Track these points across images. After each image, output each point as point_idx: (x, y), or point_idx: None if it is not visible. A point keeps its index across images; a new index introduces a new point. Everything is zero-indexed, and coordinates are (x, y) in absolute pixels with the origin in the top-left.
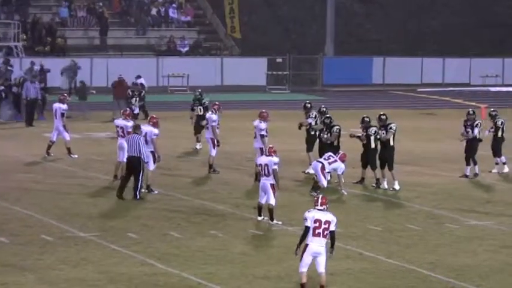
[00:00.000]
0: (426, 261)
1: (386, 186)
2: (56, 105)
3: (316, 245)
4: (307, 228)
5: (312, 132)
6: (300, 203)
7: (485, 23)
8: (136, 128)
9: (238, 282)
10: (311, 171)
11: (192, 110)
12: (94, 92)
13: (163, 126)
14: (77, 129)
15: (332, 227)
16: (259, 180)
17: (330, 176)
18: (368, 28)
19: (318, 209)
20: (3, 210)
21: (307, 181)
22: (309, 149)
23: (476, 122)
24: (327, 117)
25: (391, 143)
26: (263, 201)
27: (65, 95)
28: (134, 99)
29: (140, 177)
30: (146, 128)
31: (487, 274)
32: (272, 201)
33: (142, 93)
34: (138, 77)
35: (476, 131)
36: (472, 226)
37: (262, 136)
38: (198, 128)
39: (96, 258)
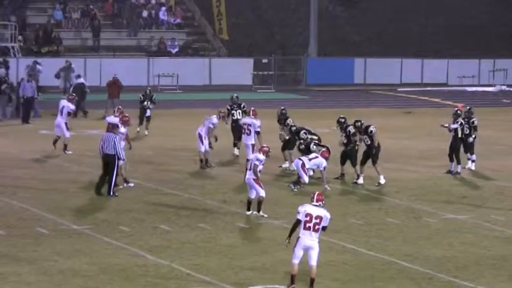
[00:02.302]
0: (405, 254)
1: (362, 182)
2: (64, 102)
3: (307, 239)
4: (297, 221)
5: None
6: (284, 198)
7: (462, 26)
8: (114, 127)
9: (226, 273)
10: (285, 165)
11: (228, 114)
12: (88, 91)
13: (154, 123)
14: (71, 127)
15: (324, 223)
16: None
17: (313, 171)
18: (350, 30)
19: (313, 205)
20: (0, 204)
21: (292, 177)
22: (285, 147)
23: (459, 120)
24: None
25: (376, 144)
26: (252, 196)
27: (74, 94)
28: (146, 102)
29: (114, 174)
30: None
31: (463, 266)
32: (262, 193)
33: (154, 97)
34: (78, 76)
35: (455, 126)
36: (449, 220)
37: (258, 133)
38: (236, 134)
39: (89, 250)
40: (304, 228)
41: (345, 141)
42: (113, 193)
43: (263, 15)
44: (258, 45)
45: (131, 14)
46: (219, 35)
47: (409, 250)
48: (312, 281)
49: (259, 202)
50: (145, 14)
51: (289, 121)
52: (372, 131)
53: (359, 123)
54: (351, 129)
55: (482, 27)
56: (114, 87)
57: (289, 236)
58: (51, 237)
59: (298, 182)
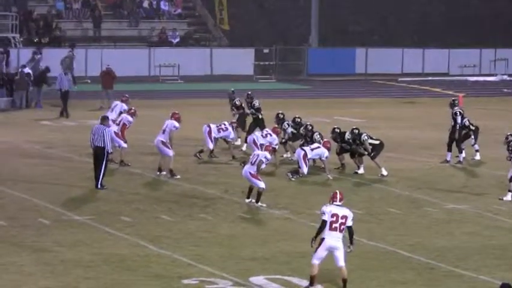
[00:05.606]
0: (406, 243)
1: (363, 171)
2: (118, 102)
3: (333, 239)
4: (324, 222)
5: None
6: (285, 188)
7: (463, 16)
8: (104, 120)
9: (227, 263)
10: (286, 154)
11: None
12: (89, 81)
13: (154, 113)
14: (72, 117)
15: (349, 222)
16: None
17: (314, 161)
18: (351, 20)
19: (336, 205)
20: (1, 194)
21: (294, 167)
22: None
23: (455, 110)
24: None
25: (375, 144)
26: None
27: (127, 95)
28: (249, 110)
29: (103, 167)
30: (168, 121)
31: (464, 255)
32: (262, 186)
33: (254, 103)
34: (23, 66)
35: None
36: (450, 210)
37: (274, 150)
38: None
39: (90, 240)
40: (331, 228)
41: (348, 147)
42: (101, 186)
43: (264, 4)
44: (259, 35)
45: (132, 5)
46: (220, 25)
47: (410, 240)
48: (345, 281)
49: (259, 193)
50: (146, 4)
51: (285, 125)
52: (363, 142)
53: (356, 130)
54: (348, 135)
55: (483, 16)
56: (108, 77)
57: (316, 237)
58: (52, 227)
59: (296, 171)
